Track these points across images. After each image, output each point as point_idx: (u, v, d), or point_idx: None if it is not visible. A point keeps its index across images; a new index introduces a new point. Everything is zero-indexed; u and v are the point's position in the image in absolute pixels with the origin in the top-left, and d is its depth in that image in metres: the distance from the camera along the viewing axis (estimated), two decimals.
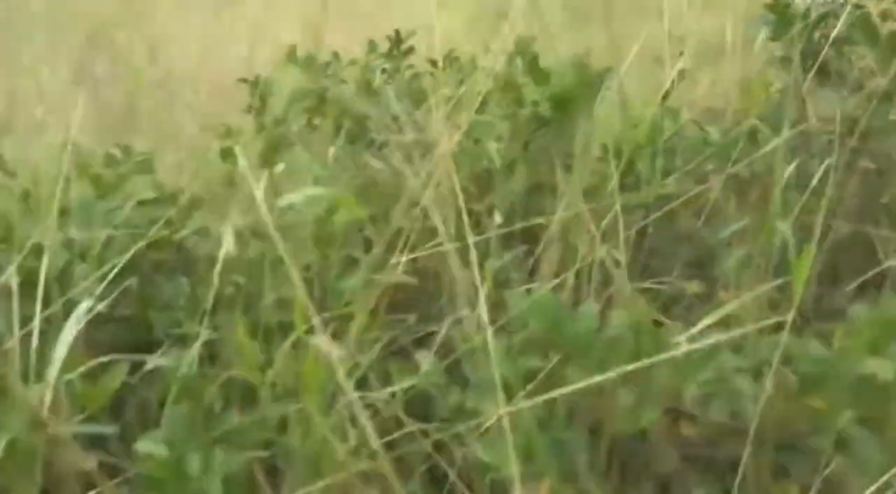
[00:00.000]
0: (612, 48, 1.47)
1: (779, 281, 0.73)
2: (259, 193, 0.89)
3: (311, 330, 0.74)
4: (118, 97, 2.04)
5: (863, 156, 1.11)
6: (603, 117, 1.26)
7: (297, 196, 1.12)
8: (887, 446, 0.65)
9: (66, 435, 0.65)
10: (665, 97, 1.46)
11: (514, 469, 0.72)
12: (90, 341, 0.85)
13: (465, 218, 0.84)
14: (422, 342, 1.06)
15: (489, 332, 0.72)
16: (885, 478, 0.61)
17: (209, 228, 1.22)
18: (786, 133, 0.98)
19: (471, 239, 0.79)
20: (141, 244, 0.92)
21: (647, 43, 1.49)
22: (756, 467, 0.80)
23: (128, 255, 0.88)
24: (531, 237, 1.17)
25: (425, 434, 0.85)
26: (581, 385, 0.77)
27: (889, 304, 0.74)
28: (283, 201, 1.08)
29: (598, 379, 0.82)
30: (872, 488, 0.61)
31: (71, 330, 0.69)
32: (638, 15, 1.62)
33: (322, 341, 0.69)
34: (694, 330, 0.69)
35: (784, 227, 0.80)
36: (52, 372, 0.65)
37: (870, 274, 0.88)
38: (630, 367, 0.75)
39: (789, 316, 0.67)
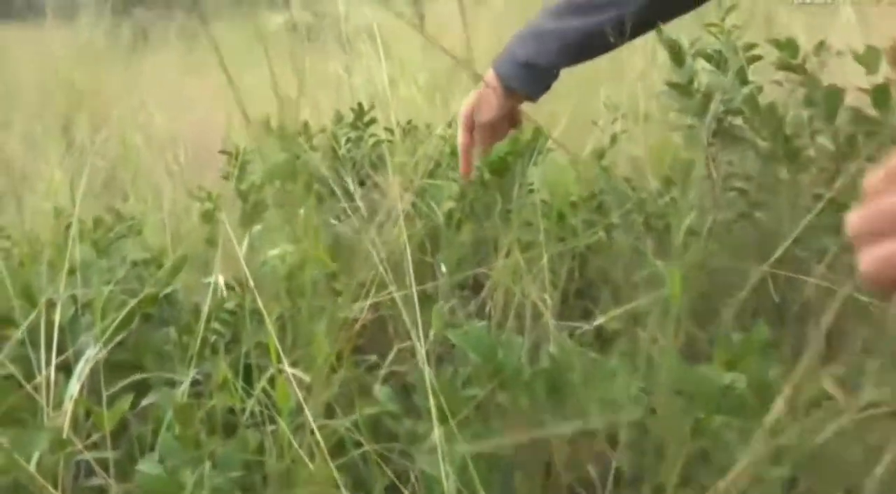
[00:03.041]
0: (553, 115, 1.68)
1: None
2: (241, 251, 1.06)
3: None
4: (103, 162, 2.20)
5: (759, 208, 1.31)
6: (540, 177, 1.45)
7: (273, 253, 1.29)
8: (745, 439, 0.81)
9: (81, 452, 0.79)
10: (601, 157, 1.67)
11: (450, 482, 0.87)
12: (93, 384, 0.99)
13: (412, 270, 1.00)
14: (385, 379, 1.22)
15: (425, 365, 0.87)
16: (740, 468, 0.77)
17: (192, 285, 1.37)
18: (677, 188, 1.16)
19: (414, 287, 0.95)
20: (134, 302, 1.07)
21: (581, 109, 1.71)
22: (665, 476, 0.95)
23: (124, 312, 1.03)
24: (478, 285, 1.35)
25: (382, 456, 0.99)
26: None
27: (757, 330, 0.92)
28: (261, 258, 1.24)
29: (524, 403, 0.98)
30: (734, 473, 0.77)
31: (82, 371, 0.83)
32: (575, 86, 1.84)
33: (292, 370, 0.84)
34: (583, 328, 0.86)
35: (660, 265, 0.98)
36: (69, 402, 0.79)
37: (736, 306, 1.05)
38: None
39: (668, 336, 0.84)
